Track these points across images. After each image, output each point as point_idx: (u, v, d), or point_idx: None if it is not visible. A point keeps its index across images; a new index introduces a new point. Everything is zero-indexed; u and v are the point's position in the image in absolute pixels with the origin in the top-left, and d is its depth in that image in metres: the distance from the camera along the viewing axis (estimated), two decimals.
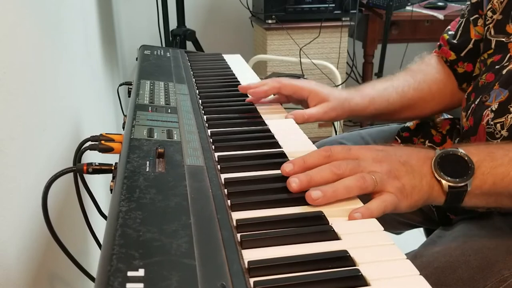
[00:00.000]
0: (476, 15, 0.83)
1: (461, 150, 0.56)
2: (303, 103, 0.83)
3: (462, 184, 0.54)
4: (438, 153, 0.56)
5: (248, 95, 0.83)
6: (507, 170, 0.55)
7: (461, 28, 0.86)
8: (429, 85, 0.88)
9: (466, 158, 0.55)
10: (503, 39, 0.73)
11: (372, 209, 0.51)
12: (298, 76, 1.82)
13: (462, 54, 0.86)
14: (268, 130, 0.71)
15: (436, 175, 0.55)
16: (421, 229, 0.97)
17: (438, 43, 0.91)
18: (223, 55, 1.16)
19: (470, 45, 0.84)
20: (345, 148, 0.57)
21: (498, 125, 0.68)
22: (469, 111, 0.75)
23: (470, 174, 0.54)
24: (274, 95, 0.85)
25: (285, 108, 0.83)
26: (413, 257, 0.66)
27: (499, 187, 0.55)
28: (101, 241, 0.40)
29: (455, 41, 0.87)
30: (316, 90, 0.80)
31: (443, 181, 0.54)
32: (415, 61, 0.94)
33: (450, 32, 0.89)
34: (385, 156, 0.56)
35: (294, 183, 0.52)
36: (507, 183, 0.55)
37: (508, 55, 0.71)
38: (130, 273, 0.34)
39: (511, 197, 0.56)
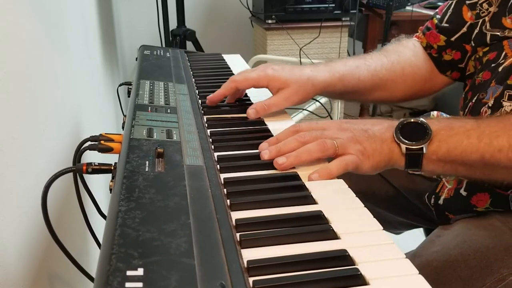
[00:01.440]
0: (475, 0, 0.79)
1: (422, 119, 0.60)
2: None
3: (418, 147, 0.59)
4: (400, 120, 0.61)
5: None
6: (460, 139, 0.58)
7: (450, 10, 0.83)
8: (403, 66, 0.86)
9: (425, 125, 0.60)
10: (498, 33, 0.72)
11: (331, 168, 0.57)
12: None
13: (453, 39, 0.82)
14: (268, 130, 0.71)
15: (396, 138, 0.60)
16: (421, 229, 0.97)
17: (425, 25, 0.88)
18: (223, 55, 1.16)
19: (464, 29, 0.80)
20: (312, 123, 0.64)
21: None
22: (467, 110, 0.75)
23: (426, 139, 0.59)
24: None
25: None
26: (412, 256, 0.66)
27: (452, 155, 0.59)
28: (101, 241, 0.40)
29: (446, 24, 0.83)
30: (274, 76, 0.76)
31: (401, 144, 0.59)
32: (392, 43, 0.91)
33: (438, 16, 0.86)
34: (349, 126, 0.62)
35: (265, 155, 0.60)
36: (459, 151, 0.58)
37: (504, 52, 0.71)
38: (129, 273, 0.34)
39: (464, 165, 0.60)
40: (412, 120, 0.60)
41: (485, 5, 0.76)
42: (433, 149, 0.59)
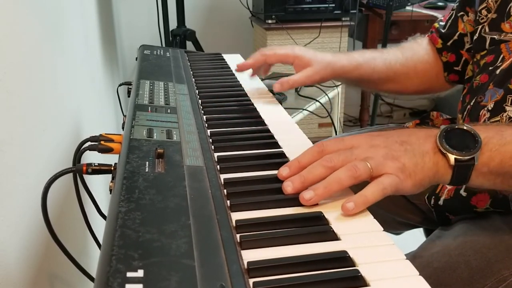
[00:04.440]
0: (462, 12, 0.87)
1: (467, 125, 0.53)
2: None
3: (469, 157, 0.51)
4: (443, 128, 0.53)
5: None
6: None
7: (450, 21, 0.91)
8: (415, 63, 0.93)
9: (472, 132, 0.52)
10: (495, 37, 0.74)
11: (367, 195, 0.49)
12: None
13: (448, 44, 0.90)
14: (268, 130, 0.71)
15: (441, 148, 0.52)
16: (421, 229, 0.97)
17: (430, 29, 0.96)
18: (223, 55, 1.16)
19: (455, 37, 0.89)
20: (337, 140, 0.55)
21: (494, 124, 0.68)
22: (465, 113, 0.75)
23: (477, 147, 0.51)
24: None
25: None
26: (412, 257, 0.66)
27: (506, 166, 0.52)
28: (101, 242, 0.40)
29: (443, 31, 0.91)
30: (300, 55, 0.86)
31: (449, 155, 0.51)
32: (408, 41, 0.98)
33: (441, 23, 0.93)
34: (380, 140, 0.54)
35: (288, 187, 0.51)
36: None
37: (501, 55, 0.72)
38: (129, 274, 0.34)
39: None
40: (456, 127, 0.53)
41: (484, 12, 0.78)
42: (484, 161, 0.51)
